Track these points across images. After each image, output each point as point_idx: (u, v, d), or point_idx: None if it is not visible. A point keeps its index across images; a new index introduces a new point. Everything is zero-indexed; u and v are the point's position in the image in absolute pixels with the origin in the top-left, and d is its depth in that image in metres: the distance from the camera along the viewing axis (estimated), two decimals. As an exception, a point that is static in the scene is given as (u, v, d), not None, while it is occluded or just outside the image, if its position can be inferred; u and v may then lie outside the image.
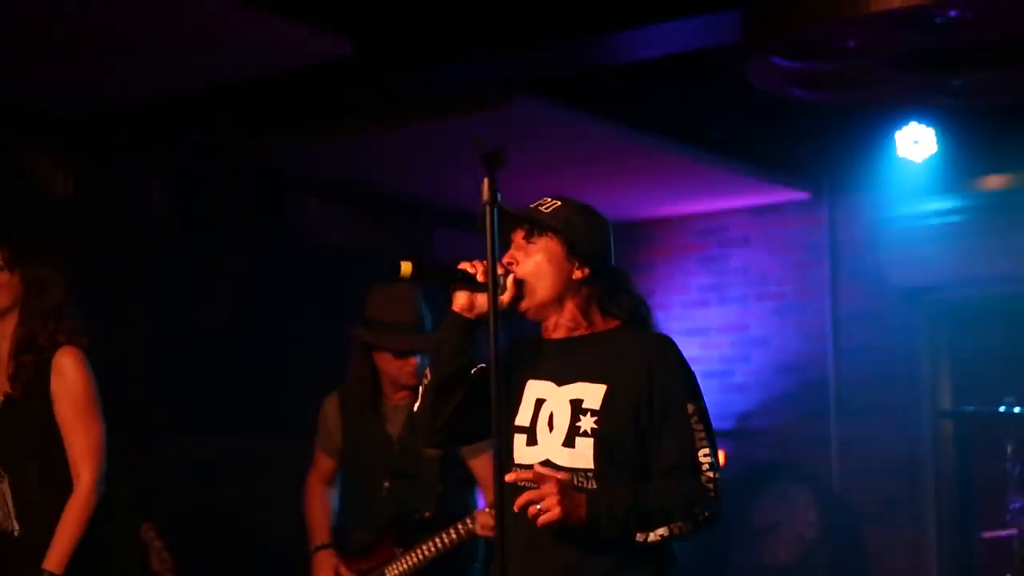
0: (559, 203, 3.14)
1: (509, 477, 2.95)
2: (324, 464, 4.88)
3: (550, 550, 2.99)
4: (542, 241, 3.10)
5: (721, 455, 8.28)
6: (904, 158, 6.90)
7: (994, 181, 7.68)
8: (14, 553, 3.83)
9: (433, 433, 3.16)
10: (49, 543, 3.76)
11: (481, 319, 3.09)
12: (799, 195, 8.12)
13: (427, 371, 3.15)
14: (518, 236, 3.13)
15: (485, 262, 3.01)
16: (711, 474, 3.01)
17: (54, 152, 6.22)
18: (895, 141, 6.88)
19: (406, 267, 3.03)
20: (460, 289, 3.08)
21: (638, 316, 3.18)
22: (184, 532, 5.79)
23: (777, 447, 8.12)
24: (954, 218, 7.64)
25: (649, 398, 3.02)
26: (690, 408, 3.04)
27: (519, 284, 3.08)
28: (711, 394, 7.84)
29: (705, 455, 3.02)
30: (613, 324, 3.16)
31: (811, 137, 7.13)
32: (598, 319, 3.15)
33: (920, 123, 6.80)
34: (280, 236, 7.15)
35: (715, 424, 6.46)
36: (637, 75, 5.92)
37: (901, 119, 6.80)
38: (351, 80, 5.68)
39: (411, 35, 5.36)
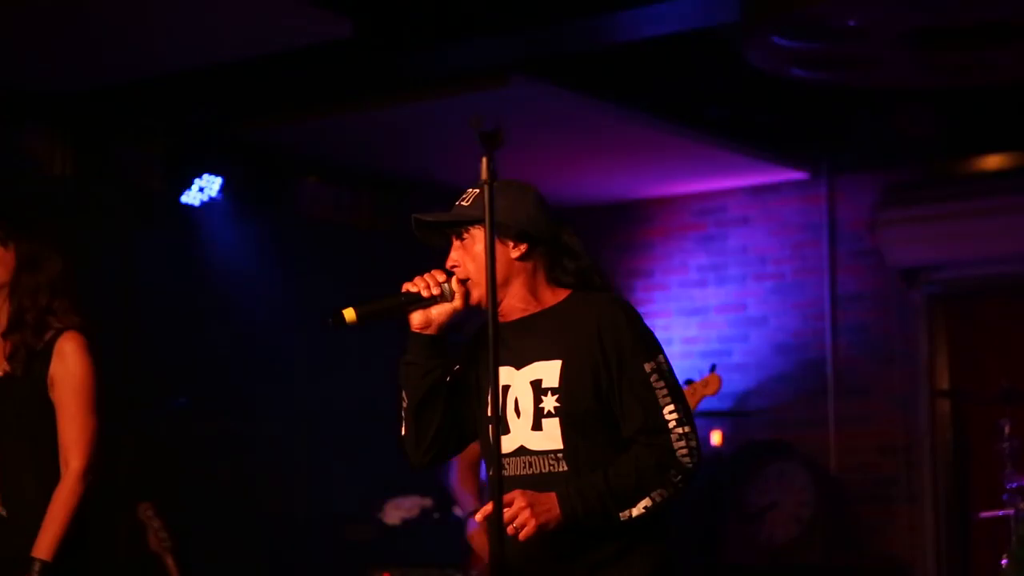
0: (476, 191, 3.07)
1: (477, 517, 2.93)
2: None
3: (547, 549, 2.97)
4: (473, 234, 3.07)
5: (718, 435, 8.32)
6: (902, 137, 6.89)
7: (993, 161, 7.68)
8: (3, 533, 3.79)
9: (421, 455, 3.14)
10: (35, 526, 3.71)
11: (443, 330, 3.08)
12: (798, 174, 8.11)
13: (403, 394, 3.12)
14: (454, 240, 3.11)
15: (426, 276, 3.04)
16: (680, 430, 2.97)
17: (53, 132, 6.21)
18: (893, 120, 6.87)
19: (349, 314, 3.02)
20: (413, 310, 3.07)
21: (585, 281, 3.12)
22: (182, 511, 5.81)
23: (775, 426, 8.13)
24: (953, 198, 7.63)
25: (605, 364, 2.98)
26: (648, 367, 2.98)
27: (464, 283, 3.06)
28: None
29: (671, 412, 2.97)
30: (562, 295, 3.11)
31: (810, 116, 7.13)
32: (547, 293, 3.11)
33: (918, 102, 6.79)
34: (278, 215, 7.15)
35: (713, 404, 6.49)
36: (635, 55, 5.91)
37: (900, 98, 6.79)
38: (350, 60, 5.67)
39: (410, 15, 5.35)
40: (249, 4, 5.04)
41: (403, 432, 3.15)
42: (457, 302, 3.06)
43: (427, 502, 7.01)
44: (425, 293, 3.05)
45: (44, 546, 3.68)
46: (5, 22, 5.17)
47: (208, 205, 6.75)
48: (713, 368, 5.08)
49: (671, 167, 7.86)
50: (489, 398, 2.87)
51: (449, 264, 3.10)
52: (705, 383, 4.91)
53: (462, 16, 5.30)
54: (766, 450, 8.06)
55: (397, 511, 6.97)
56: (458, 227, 3.09)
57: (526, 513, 2.87)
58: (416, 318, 3.08)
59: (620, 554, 2.98)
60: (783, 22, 5.32)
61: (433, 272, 3.09)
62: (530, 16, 5.25)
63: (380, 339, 7.26)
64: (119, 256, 5.98)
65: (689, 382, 4.92)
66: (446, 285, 3.06)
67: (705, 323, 8.44)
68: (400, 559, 6.58)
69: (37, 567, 3.65)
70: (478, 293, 3.07)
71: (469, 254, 3.07)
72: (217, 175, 6.77)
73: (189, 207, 6.68)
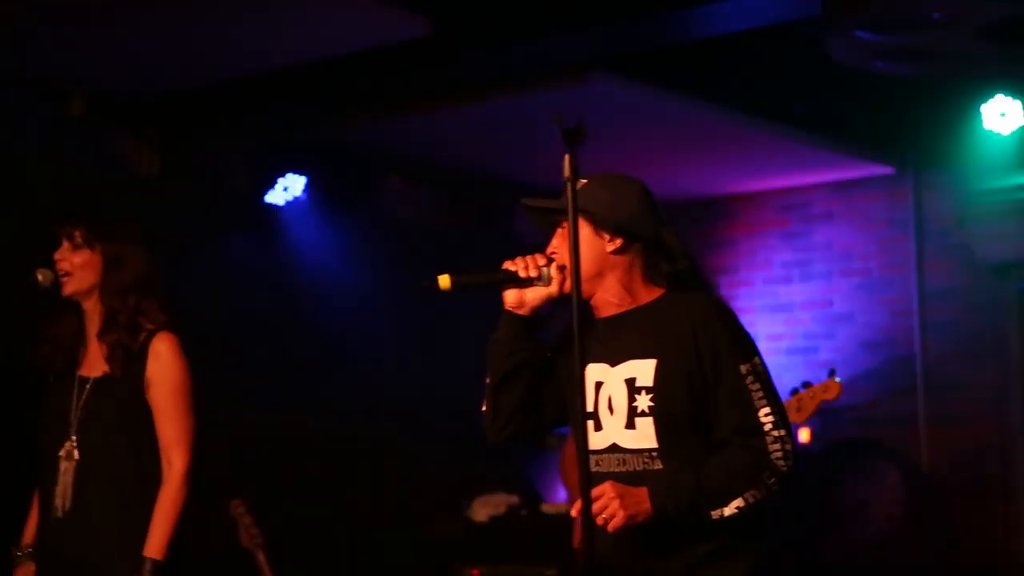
0: (584, 181, 3.09)
1: (572, 511, 2.94)
2: None
3: (641, 544, 2.97)
4: (565, 225, 3.05)
5: (806, 432, 8.24)
6: (991, 131, 6.80)
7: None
8: (68, 534, 3.81)
9: (497, 431, 3.18)
10: (113, 528, 3.76)
11: (536, 313, 3.11)
12: (884, 169, 8.03)
13: (488, 370, 3.15)
14: (557, 228, 3.14)
15: (527, 257, 3.07)
16: (776, 432, 2.95)
17: (139, 134, 6.30)
18: (981, 114, 6.78)
19: (444, 281, 3.06)
20: (508, 288, 3.10)
21: (681, 281, 3.13)
22: (272, 508, 5.88)
23: (864, 424, 8.04)
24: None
25: (699, 365, 2.97)
26: (743, 368, 2.98)
27: (563, 270, 3.08)
28: (795, 370, 7.79)
29: (767, 415, 2.96)
30: (657, 293, 3.12)
31: (895, 110, 7.04)
32: (642, 290, 3.11)
33: (1007, 95, 6.69)
34: (363, 215, 7.20)
35: (800, 402, 6.28)
36: (716, 50, 5.88)
37: (987, 91, 6.70)
38: (430, 59, 5.70)
39: (488, 13, 5.36)
40: (330, 4, 5.08)
41: (483, 407, 3.19)
42: (553, 288, 3.08)
43: (514, 499, 7.02)
44: (523, 274, 3.08)
45: (155, 545, 3.72)
46: (92, 26, 5.26)
47: (292, 205, 6.83)
48: (832, 373, 4.98)
49: (754, 163, 7.81)
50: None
51: (549, 251, 3.13)
52: (825, 387, 4.82)
53: (541, 13, 5.30)
54: (855, 448, 7.99)
55: (485, 508, 6.99)
56: (558, 215, 3.11)
57: (615, 504, 2.87)
58: (510, 296, 3.12)
59: (716, 554, 2.97)
60: (866, 15, 5.26)
61: (535, 255, 3.11)
62: (609, 12, 5.24)
63: (468, 337, 7.30)
64: (205, 256, 6.06)
65: (807, 385, 4.85)
66: (545, 269, 3.09)
67: (791, 320, 8.38)
68: (488, 556, 6.60)
69: (149, 566, 3.70)
70: (568, 285, 3.06)
71: (565, 243, 3.07)
72: (300, 175, 6.85)
73: (273, 207, 6.76)
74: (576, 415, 3.08)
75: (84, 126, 6.05)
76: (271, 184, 6.78)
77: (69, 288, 3.86)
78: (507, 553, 6.59)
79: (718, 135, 7.09)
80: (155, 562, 3.71)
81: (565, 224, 3.07)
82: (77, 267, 3.86)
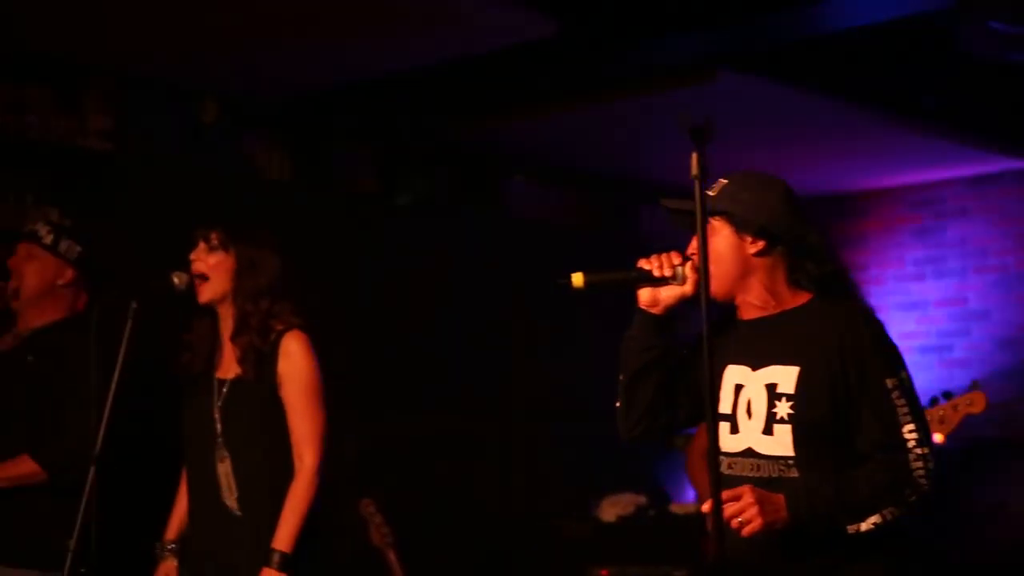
0: (725, 181, 3.08)
1: (704, 507, 2.88)
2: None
3: (771, 548, 2.93)
4: (715, 226, 3.06)
5: (940, 435, 8.08)
6: None
7: None
8: (234, 531, 3.89)
9: (629, 427, 3.17)
10: (266, 523, 3.82)
11: (669, 312, 3.10)
12: (1019, 163, 7.86)
13: (621, 368, 3.15)
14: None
15: (663, 256, 3.06)
16: (919, 450, 2.90)
17: (271, 137, 6.40)
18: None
19: (577, 279, 3.06)
20: (642, 287, 3.09)
21: (828, 286, 3.07)
22: (402, 507, 5.93)
23: (1001, 424, 7.86)
24: None
25: (845, 377, 2.92)
26: (890, 383, 2.92)
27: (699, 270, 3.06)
28: (928, 369, 7.64)
29: (911, 431, 2.91)
30: (804, 298, 3.07)
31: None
32: (787, 294, 3.07)
33: None
34: (489, 216, 7.23)
35: (934, 402, 6.14)
36: (845, 44, 5.79)
37: None
38: (557, 59, 5.70)
39: (615, 12, 5.35)
40: (456, 6, 5.11)
41: (616, 404, 3.19)
42: (688, 288, 3.07)
43: (642, 499, 7.00)
44: (657, 272, 3.07)
45: (283, 538, 3.78)
46: (225, 33, 5.36)
47: (419, 205, 6.89)
48: (976, 385, 4.78)
49: (885, 158, 7.70)
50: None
51: (688, 251, 3.11)
52: (970, 400, 4.64)
53: (667, 12, 5.27)
54: (992, 448, 7.82)
55: (613, 508, 6.98)
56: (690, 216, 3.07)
57: (754, 510, 2.83)
58: (644, 295, 3.12)
59: (849, 566, 2.93)
60: (1000, 6, 5.15)
61: (670, 254, 3.10)
62: (737, 9, 5.19)
63: (597, 337, 7.29)
64: (335, 257, 6.13)
65: (948, 395, 4.71)
66: (679, 268, 3.07)
67: (923, 318, 8.25)
68: (616, 556, 6.58)
69: (277, 558, 3.76)
70: (712, 284, 3.04)
71: (708, 246, 3.05)
72: (428, 176, 6.90)
73: (401, 207, 6.82)
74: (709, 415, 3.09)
75: (217, 130, 6.17)
76: (399, 185, 6.84)
77: (204, 296, 3.94)
78: (635, 553, 6.57)
79: (848, 131, 6.99)
80: (283, 554, 3.77)
81: (708, 226, 3.01)
82: (212, 269, 3.93)
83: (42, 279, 4.34)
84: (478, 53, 5.64)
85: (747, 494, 2.84)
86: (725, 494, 2.83)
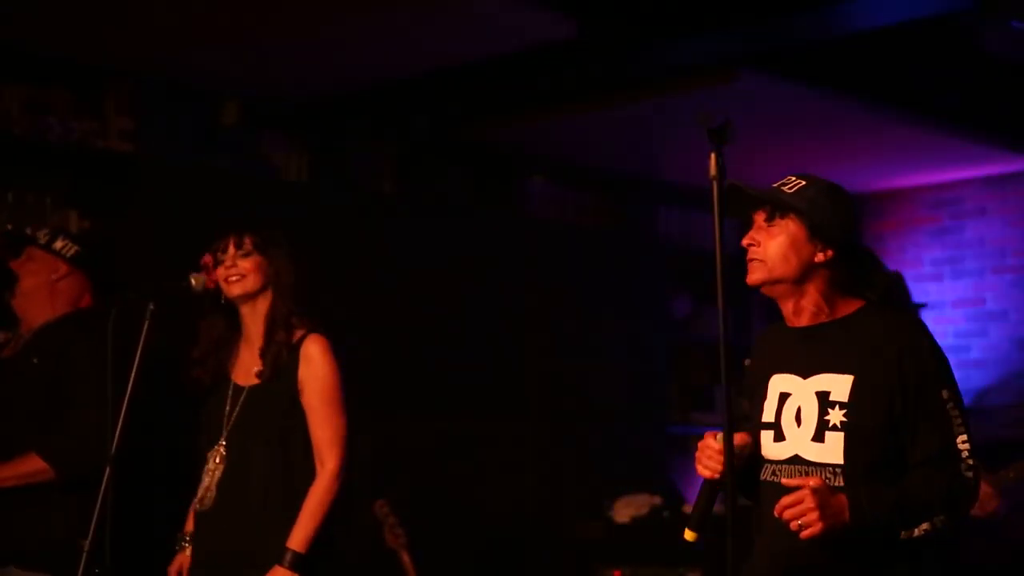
0: (803, 182, 3.05)
1: (777, 510, 2.87)
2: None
3: (823, 549, 2.92)
4: (784, 222, 3.02)
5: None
6: None
7: None
8: (199, 527, 3.95)
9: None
10: (252, 524, 3.84)
11: (743, 460, 3.08)
12: (1039, 163, 7.84)
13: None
14: (759, 217, 3.06)
15: (702, 459, 3.01)
16: (971, 461, 2.91)
17: (289, 138, 6.41)
18: None
19: (689, 535, 3.06)
20: (718, 490, 3.06)
21: (885, 296, 3.08)
22: (415, 509, 5.93)
23: (1017, 424, 7.84)
24: None
25: (903, 387, 2.92)
26: (945, 394, 2.93)
27: (758, 265, 3.04)
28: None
29: (964, 442, 2.93)
30: (856, 307, 3.06)
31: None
32: (841, 303, 3.06)
33: None
34: (507, 217, 7.23)
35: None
36: (866, 44, 5.77)
37: None
38: (575, 59, 5.69)
39: (634, 13, 5.34)
40: (474, 7, 5.11)
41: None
42: (741, 438, 3.05)
43: (657, 500, 6.98)
44: (717, 471, 3.00)
45: (299, 539, 3.79)
46: (244, 35, 5.37)
47: (436, 205, 6.89)
48: None
49: (904, 158, 7.67)
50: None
51: (746, 241, 3.08)
52: None
53: (686, 12, 5.26)
54: (1010, 449, 7.78)
55: (627, 509, 6.96)
56: (777, 209, 3.04)
57: (815, 514, 2.81)
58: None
59: (891, 566, 2.93)
60: (1021, 6, 5.13)
61: (704, 448, 3.04)
62: (756, 9, 5.18)
63: (610, 338, 7.29)
64: (352, 258, 6.13)
65: None
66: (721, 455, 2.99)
67: (941, 318, 8.22)
68: (630, 557, 6.57)
69: (289, 557, 3.77)
70: (762, 275, 3.03)
71: (773, 239, 3.03)
72: (446, 176, 6.89)
73: (419, 207, 6.81)
74: (756, 425, 3.10)
75: (236, 132, 6.18)
76: (418, 186, 6.84)
77: (236, 289, 3.95)
78: (649, 554, 6.56)
79: (867, 131, 6.97)
80: (296, 554, 3.78)
81: (776, 220, 3.02)
82: (246, 271, 3.94)
83: (38, 277, 4.39)
84: (497, 54, 5.64)
85: (808, 497, 2.82)
86: (786, 498, 2.83)
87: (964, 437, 2.93)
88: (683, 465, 7.55)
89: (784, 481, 2.93)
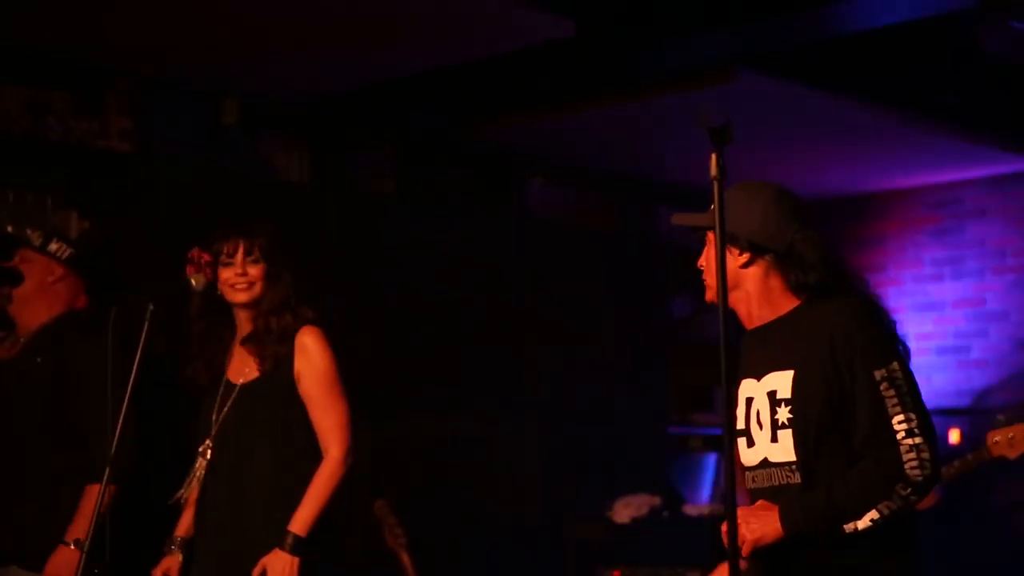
0: (729, 192, 3.06)
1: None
2: None
3: (784, 557, 2.96)
4: (709, 237, 3.13)
5: (956, 433, 8.07)
6: None
7: None
8: (239, 525, 3.91)
9: None
10: (273, 519, 3.84)
11: None
12: (1039, 164, 7.83)
13: None
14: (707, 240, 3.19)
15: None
16: (911, 440, 2.87)
17: (289, 138, 6.41)
18: None
19: None
20: None
21: (823, 287, 3.06)
22: (416, 509, 5.93)
23: (1018, 424, 7.84)
24: None
25: (836, 372, 2.92)
26: (877, 375, 2.90)
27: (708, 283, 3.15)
28: (946, 370, 7.61)
29: (900, 422, 2.88)
30: (797, 302, 3.08)
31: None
32: (782, 301, 3.09)
33: None
34: (507, 217, 7.22)
35: (952, 402, 6.24)
36: (864, 45, 5.77)
37: None
38: (574, 59, 5.69)
39: (633, 13, 5.34)
40: (474, 7, 5.11)
41: None
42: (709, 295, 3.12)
43: (656, 501, 6.98)
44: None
45: (300, 522, 3.80)
46: (244, 35, 5.37)
47: (435, 205, 6.88)
48: None
49: (904, 159, 7.67)
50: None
51: (699, 264, 3.17)
52: None
53: (686, 12, 5.26)
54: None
55: (626, 509, 6.96)
56: (697, 229, 3.17)
57: (743, 528, 2.86)
58: None
59: (857, 566, 2.94)
60: (1021, 6, 5.13)
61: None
62: (756, 9, 5.18)
63: (609, 337, 7.29)
64: (352, 258, 6.13)
65: (1013, 420, 4.71)
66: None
67: (941, 318, 8.21)
68: (629, 558, 6.57)
69: (290, 539, 3.78)
70: (710, 293, 3.11)
71: (709, 257, 3.13)
72: (445, 176, 6.89)
73: (418, 208, 6.81)
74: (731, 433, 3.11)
75: (236, 132, 6.18)
76: (418, 186, 6.83)
77: (244, 296, 3.95)
78: (648, 555, 6.56)
79: (868, 131, 6.97)
80: (296, 536, 3.78)
81: (707, 237, 3.15)
82: (255, 279, 3.94)
83: (33, 280, 4.40)
84: (496, 54, 5.63)
85: (740, 513, 2.86)
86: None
87: (901, 417, 2.88)
88: (682, 466, 7.56)
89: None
